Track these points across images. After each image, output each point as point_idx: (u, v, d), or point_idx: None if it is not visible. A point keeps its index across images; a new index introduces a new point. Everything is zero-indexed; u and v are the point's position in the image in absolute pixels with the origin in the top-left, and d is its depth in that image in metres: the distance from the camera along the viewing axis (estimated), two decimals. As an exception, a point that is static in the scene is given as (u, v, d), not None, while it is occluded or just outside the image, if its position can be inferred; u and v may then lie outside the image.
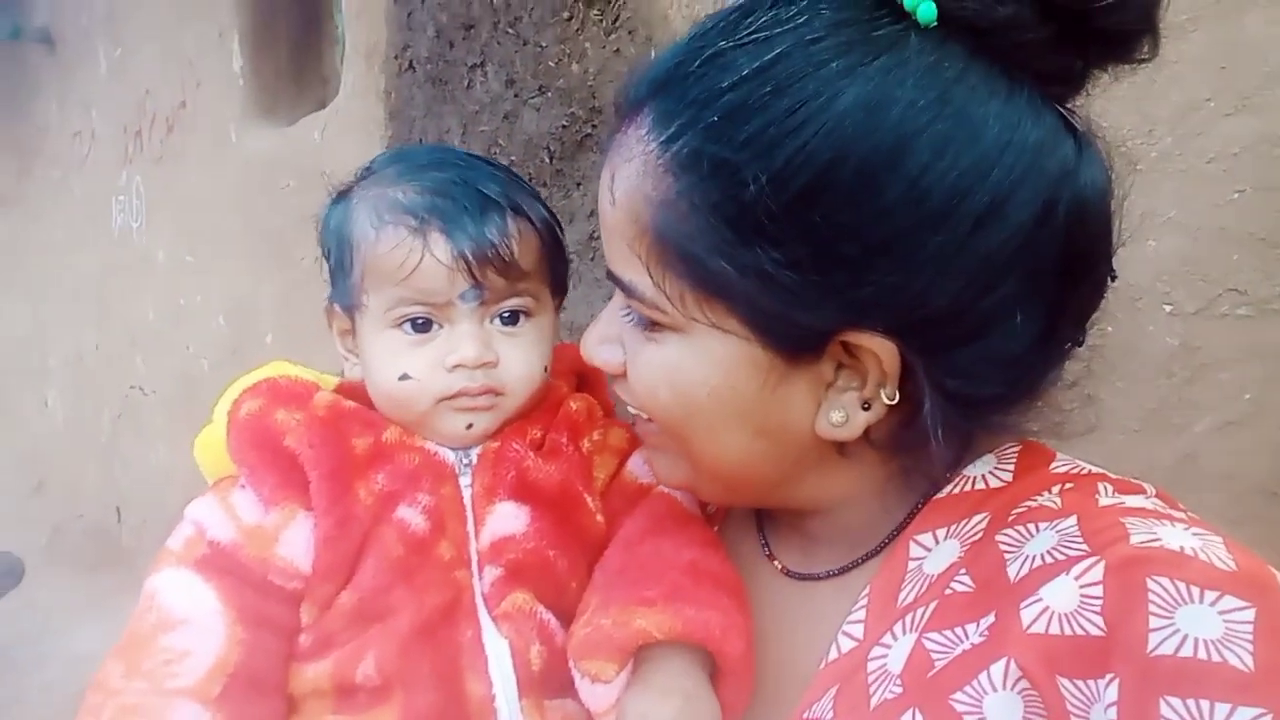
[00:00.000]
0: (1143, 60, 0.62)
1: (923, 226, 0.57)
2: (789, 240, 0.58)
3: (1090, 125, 0.62)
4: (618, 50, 1.54)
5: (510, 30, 1.75)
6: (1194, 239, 0.96)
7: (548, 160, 1.70)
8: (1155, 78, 0.98)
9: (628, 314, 0.69)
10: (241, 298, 2.91)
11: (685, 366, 0.65)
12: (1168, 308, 0.98)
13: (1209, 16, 0.93)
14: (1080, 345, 0.67)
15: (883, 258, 0.58)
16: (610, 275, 0.68)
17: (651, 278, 0.63)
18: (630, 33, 1.52)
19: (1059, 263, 0.60)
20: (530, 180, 1.75)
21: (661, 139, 0.61)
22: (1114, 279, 0.65)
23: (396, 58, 2.06)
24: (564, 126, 1.66)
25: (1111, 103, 1.00)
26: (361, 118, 2.23)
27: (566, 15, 1.63)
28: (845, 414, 0.64)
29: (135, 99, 3.52)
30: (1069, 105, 0.62)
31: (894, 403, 0.62)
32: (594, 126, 1.61)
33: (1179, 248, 0.97)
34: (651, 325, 0.66)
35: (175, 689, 0.70)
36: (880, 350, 0.61)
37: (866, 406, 0.64)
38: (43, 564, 4.21)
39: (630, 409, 0.73)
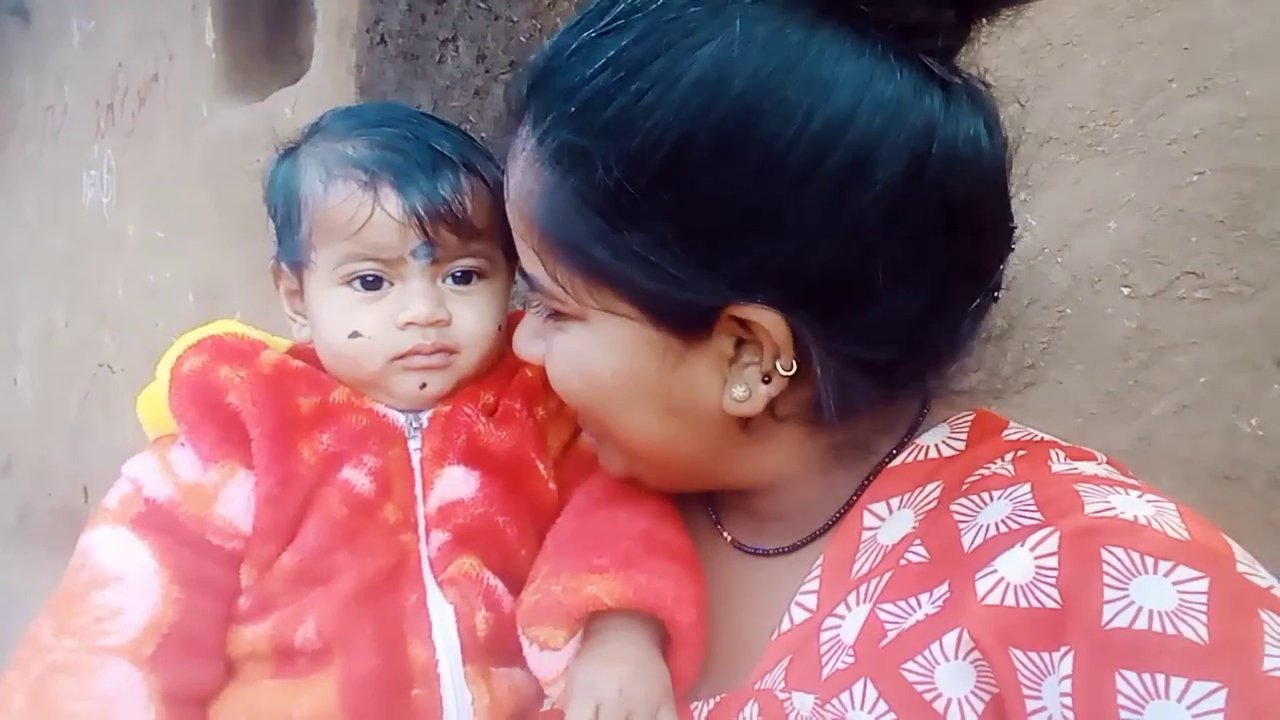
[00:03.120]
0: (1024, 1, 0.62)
1: (784, 193, 0.57)
2: (655, 221, 0.59)
3: (970, 76, 0.62)
4: (588, 26, 1.53)
5: (482, 5, 1.73)
6: (1153, 221, 0.96)
7: (518, 137, 1.69)
8: (1119, 59, 0.98)
9: (538, 307, 0.70)
10: (211, 274, 2.88)
11: (588, 353, 0.66)
12: (1125, 290, 0.98)
13: (1173, -3, 0.93)
14: (994, 300, 0.66)
15: (750, 228, 0.58)
16: (519, 270, 0.70)
17: (545, 269, 0.65)
18: (601, 9, 1.51)
19: (940, 218, 0.60)
20: (502, 158, 1.74)
21: (536, 135, 0.63)
22: (1014, 228, 0.65)
23: (368, 31, 2.04)
24: (534, 103, 1.65)
25: (1076, 83, 1.00)
26: (333, 92, 2.20)
27: (538, -10, 1.62)
28: (748, 389, 0.64)
29: (108, 72, 3.47)
30: (952, 58, 0.62)
31: (791, 374, 0.62)
32: (564, 103, 1.60)
33: (1138, 230, 0.97)
34: (557, 315, 0.67)
35: (106, 647, 0.69)
36: (767, 322, 0.61)
37: (767, 380, 0.64)
38: (10, 544, 4.17)
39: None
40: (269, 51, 2.82)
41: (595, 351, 0.66)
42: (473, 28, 1.77)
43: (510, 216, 0.68)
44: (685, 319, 0.62)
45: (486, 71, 1.75)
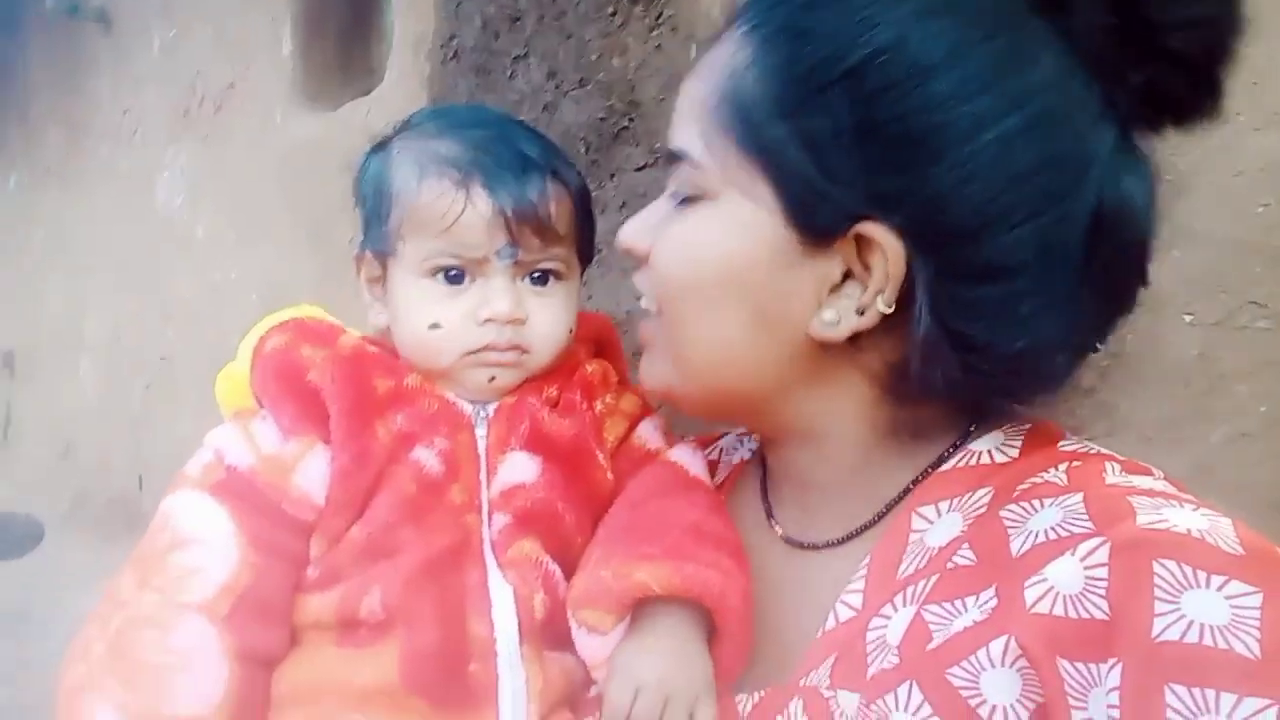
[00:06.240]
0: (1201, 114, 0.66)
1: (957, 131, 0.61)
2: (839, 110, 0.63)
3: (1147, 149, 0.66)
4: (659, 46, 1.57)
5: (555, 23, 1.78)
6: (1217, 251, 0.96)
7: (584, 151, 1.73)
8: (1187, 92, 0.99)
9: (672, 195, 0.73)
10: (277, 276, 2.95)
11: (707, 233, 0.70)
12: (1188, 318, 0.99)
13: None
14: (1095, 350, 0.68)
15: (919, 150, 0.62)
16: (668, 154, 0.73)
17: (704, 140, 0.68)
18: (673, 29, 1.55)
19: (1082, 242, 0.63)
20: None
21: (753, 22, 0.68)
22: (1146, 285, 0.67)
23: (442, 47, 2.10)
24: (601, 119, 1.69)
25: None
26: (405, 105, 2.27)
27: (611, 10, 1.66)
28: (839, 315, 0.67)
29: (186, 79, 3.58)
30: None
31: (887, 311, 0.65)
32: (631, 120, 1.64)
33: (1201, 259, 0.97)
34: (686, 201, 0.70)
35: (186, 603, 0.71)
36: (889, 249, 0.64)
37: (861, 313, 0.66)
38: (64, 529, 4.28)
39: (641, 303, 0.77)
40: (343, 64, 2.90)
41: (715, 233, 0.69)
42: (545, 45, 1.82)
43: (690, 89, 0.71)
44: (817, 220, 0.66)
45: (556, 88, 1.79)
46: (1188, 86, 0.65)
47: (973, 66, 0.62)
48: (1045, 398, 0.70)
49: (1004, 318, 0.64)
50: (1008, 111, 0.61)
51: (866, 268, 0.65)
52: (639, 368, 0.79)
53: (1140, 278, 0.67)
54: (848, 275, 0.67)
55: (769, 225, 0.67)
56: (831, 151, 0.63)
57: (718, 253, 0.69)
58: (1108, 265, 0.64)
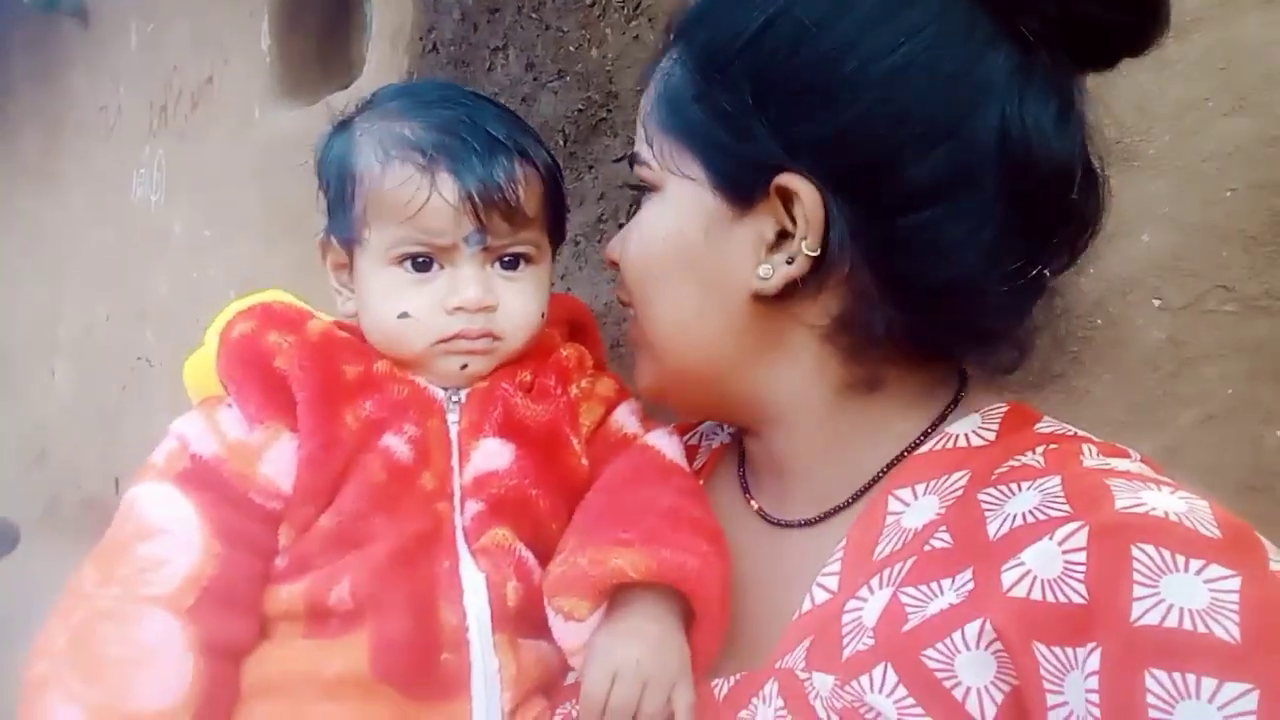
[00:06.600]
0: (1142, 35, 0.67)
1: (846, 75, 0.65)
2: (742, 79, 0.69)
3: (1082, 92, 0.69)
4: (637, 36, 1.57)
5: (534, 15, 1.78)
6: (1185, 235, 0.97)
7: (562, 143, 1.72)
8: (1156, 77, 1.00)
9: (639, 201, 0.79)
10: (254, 273, 2.92)
11: (654, 219, 0.75)
12: (1156, 302, 0.99)
13: (1209, 18, 0.95)
14: (1044, 275, 0.69)
15: (812, 98, 0.67)
16: (630, 161, 0.79)
17: (647, 139, 0.76)
18: (650, 20, 1.55)
19: (994, 164, 0.65)
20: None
21: (677, 30, 0.76)
22: (1075, 199, 0.68)
23: (421, 39, 2.09)
24: (580, 110, 1.69)
25: (1114, 101, 1.02)
26: (383, 99, 2.25)
27: (589, 1, 1.66)
28: (773, 268, 0.70)
29: (163, 74, 3.55)
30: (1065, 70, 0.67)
31: (814, 254, 0.68)
32: (609, 111, 1.63)
33: (1170, 243, 0.98)
34: (644, 197, 0.77)
35: (148, 596, 0.70)
36: (805, 194, 0.67)
37: (791, 261, 0.69)
38: (39, 533, 4.22)
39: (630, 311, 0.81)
40: (322, 58, 2.88)
41: (660, 216, 0.75)
42: (523, 37, 1.81)
43: (641, 103, 0.78)
44: (739, 182, 0.70)
45: (535, 79, 1.79)
46: (1121, 10, 0.66)
47: (856, 14, 0.66)
48: (997, 331, 0.71)
49: (928, 248, 0.66)
50: (893, 48, 0.65)
51: (794, 220, 0.69)
52: (634, 375, 0.82)
53: (1066, 196, 0.68)
54: (784, 235, 0.70)
55: (702, 199, 0.71)
56: (741, 118, 0.68)
57: (664, 234, 0.74)
58: (1025, 185, 0.66)
